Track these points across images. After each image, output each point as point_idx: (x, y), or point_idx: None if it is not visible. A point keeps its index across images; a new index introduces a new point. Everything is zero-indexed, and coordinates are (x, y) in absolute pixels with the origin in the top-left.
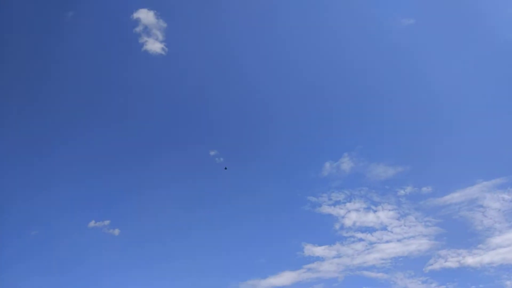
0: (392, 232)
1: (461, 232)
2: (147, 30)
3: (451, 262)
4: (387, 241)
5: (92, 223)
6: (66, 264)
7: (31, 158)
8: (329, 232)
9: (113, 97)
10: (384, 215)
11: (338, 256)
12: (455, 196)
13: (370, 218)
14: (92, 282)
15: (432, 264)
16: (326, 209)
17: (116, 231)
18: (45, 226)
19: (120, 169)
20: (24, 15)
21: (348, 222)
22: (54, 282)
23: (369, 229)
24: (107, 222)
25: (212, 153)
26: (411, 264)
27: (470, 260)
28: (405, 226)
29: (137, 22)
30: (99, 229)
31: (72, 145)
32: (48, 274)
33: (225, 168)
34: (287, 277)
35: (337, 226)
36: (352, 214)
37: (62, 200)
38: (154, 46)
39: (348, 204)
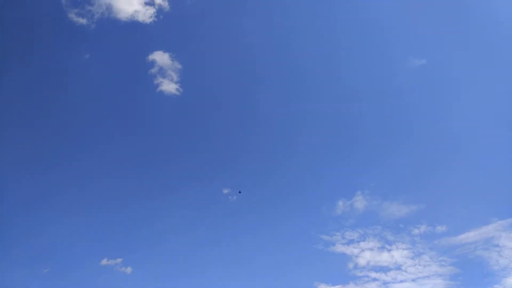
0: (406, 271)
1: (476, 272)
2: (162, 71)
3: None
4: (401, 281)
5: (104, 261)
6: None
7: (45, 196)
8: (342, 271)
9: (129, 135)
10: (398, 254)
11: None
12: (470, 236)
13: (384, 258)
14: None
15: None
16: (340, 248)
17: (129, 269)
18: (57, 264)
19: (133, 207)
20: (42, 54)
21: (362, 261)
22: None
23: (383, 269)
24: (119, 260)
25: (225, 191)
26: None
27: None
28: (419, 265)
29: (153, 63)
30: (112, 267)
31: (87, 184)
32: None
33: (239, 192)
34: None
35: (350, 266)
36: (366, 253)
37: (74, 238)
38: (169, 86)
39: (362, 243)
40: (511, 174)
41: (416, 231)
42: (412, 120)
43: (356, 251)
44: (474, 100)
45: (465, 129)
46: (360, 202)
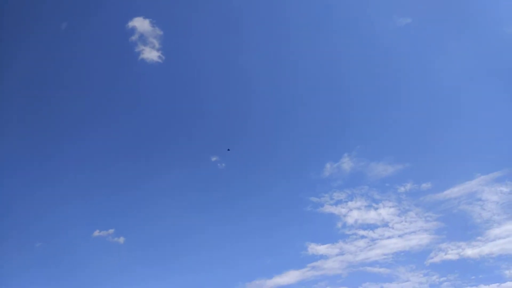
0: (393, 228)
1: (460, 226)
2: (143, 39)
3: (451, 255)
4: (388, 237)
5: (96, 233)
6: (71, 274)
7: (36, 170)
8: (331, 231)
9: (114, 107)
10: (385, 212)
11: (341, 253)
12: (454, 191)
13: (371, 216)
14: None
15: (432, 258)
16: (328, 209)
17: (121, 239)
18: (50, 237)
19: (122, 178)
20: (21, 23)
21: (350, 220)
22: None
23: (371, 226)
24: (111, 231)
25: (213, 159)
26: (412, 258)
27: (470, 252)
28: (406, 222)
29: (133, 30)
30: (104, 238)
31: (75, 156)
32: (54, 284)
33: (228, 150)
34: (292, 276)
35: (339, 225)
36: (354, 213)
37: (65, 211)
38: (151, 54)
39: (349, 203)
40: (494, 130)
41: (402, 189)
42: (397, 81)
43: (344, 211)
44: (458, 59)
45: (448, 87)
46: (347, 164)
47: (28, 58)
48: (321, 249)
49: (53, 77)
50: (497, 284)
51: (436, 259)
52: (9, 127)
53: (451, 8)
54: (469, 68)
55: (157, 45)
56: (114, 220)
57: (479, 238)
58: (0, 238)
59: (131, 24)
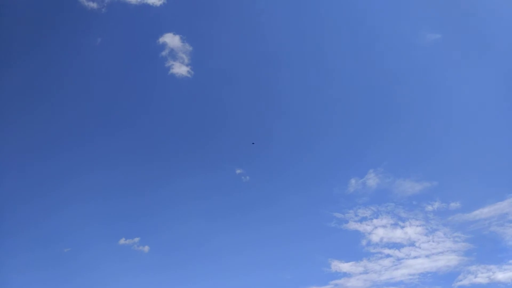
0: (420, 248)
1: (491, 248)
2: (173, 54)
3: (481, 278)
4: (415, 257)
5: (122, 241)
6: (98, 281)
7: (63, 179)
8: (356, 248)
9: (145, 120)
10: (411, 231)
11: (365, 272)
12: (485, 212)
13: (397, 234)
14: None
15: (461, 280)
16: (353, 225)
17: (146, 248)
18: (77, 244)
19: (149, 188)
20: (54, 40)
21: (375, 238)
22: None
23: (397, 245)
24: (136, 239)
25: (238, 171)
26: (439, 280)
27: (501, 276)
28: (433, 242)
29: (163, 46)
30: (129, 247)
31: (102, 166)
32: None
33: (253, 143)
34: None
35: (364, 242)
36: (379, 230)
37: (93, 219)
38: (181, 69)
39: (375, 220)
40: None
41: (429, 207)
42: (426, 97)
43: (369, 228)
44: (487, 75)
45: (478, 104)
46: (372, 180)
47: (64, 72)
48: (345, 266)
49: (87, 91)
50: None
51: (465, 282)
52: (43, 141)
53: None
54: (500, 86)
55: (186, 60)
56: (140, 228)
57: (511, 261)
58: (30, 246)
59: (161, 39)
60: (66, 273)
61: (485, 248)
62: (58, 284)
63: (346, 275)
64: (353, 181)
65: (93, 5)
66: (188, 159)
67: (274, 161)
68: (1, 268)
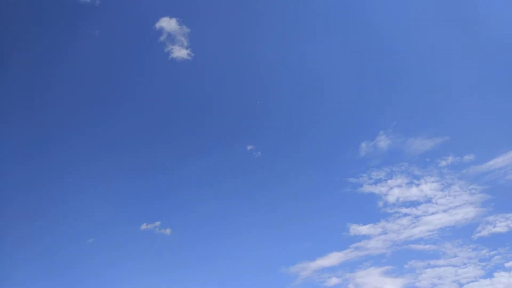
0: (437, 203)
1: (508, 196)
2: (171, 38)
3: (500, 227)
4: (432, 213)
5: (144, 226)
6: (124, 267)
7: (85, 171)
8: (372, 210)
9: (150, 106)
10: (427, 187)
11: (384, 232)
12: (499, 161)
13: (413, 192)
14: (149, 282)
15: (480, 231)
16: (368, 189)
17: (168, 231)
18: (100, 234)
19: (162, 171)
20: (51, 32)
21: (391, 198)
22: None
23: (414, 203)
24: (158, 223)
25: (249, 147)
26: (459, 233)
27: None
28: (449, 196)
29: (161, 31)
30: (151, 231)
31: (120, 153)
32: (108, 279)
33: (258, 102)
34: (335, 257)
35: (380, 204)
36: (395, 191)
37: (113, 208)
38: (181, 53)
39: (389, 181)
40: None
41: (443, 163)
42: (426, 52)
43: (384, 189)
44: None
45: (483, 56)
46: (383, 142)
47: (62, 60)
48: (363, 229)
49: (90, 79)
50: None
51: (484, 233)
52: (51, 131)
53: None
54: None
55: (185, 42)
56: (159, 212)
57: None
58: (54, 237)
59: (158, 25)
60: (92, 264)
61: (502, 197)
62: (87, 276)
63: (365, 237)
64: (363, 145)
65: None
66: (198, 140)
67: (283, 134)
68: (26, 262)
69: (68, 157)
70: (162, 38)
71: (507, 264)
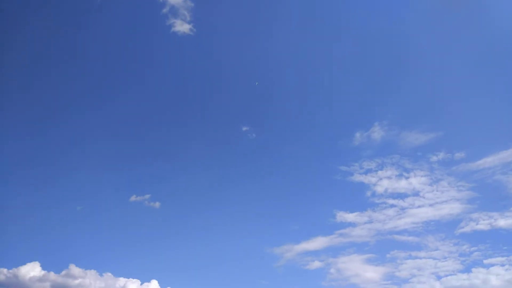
0: (424, 197)
1: (494, 196)
2: (174, 11)
3: (483, 225)
4: (419, 206)
5: (133, 197)
6: (110, 236)
7: (76, 138)
8: (360, 199)
9: (147, 78)
10: (416, 181)
11: (370, 221)
12: (489, 161)
13: (402, 185)
14: (136, 252)
15: (463, 227)
16: (358, 178)
17: (157, 204)
18: (90, 202)
19: (157, 147)
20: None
21: (379, 189)
22: (101, 253)
23: (401, 195)
24: (147, 196)
25: (244, 129)
26: (442, 227)
27: (503, 222)
28: (437, 191)
29: (164, 3)
30: (140, 203)
31: (113, 126)
32: (94, 245)
33: (256, 83)
34: (320, 242)
35: (368, 193)
36: (384, 182)
37: (103, 177)
38: (183, 27)
39: (379, 172)
40: None
41: (434, 158)
42: (429, 48)
43: (374, 179)
44: (492, 27)
45: (483, 56)
46: (377, 133)
47: (61, 31)
48: (350, 217)
49: (88, 50)
50: None
51: (467, 229)
52: (49, 102)
53: None
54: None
55: (188, 17)
56: (150, 186)
57: None
58: (45, 204)
59: None
60: (80, 230)
61: (488, 196)
62: (72, 241)
63: (351, 224)
64: (358, 134)
65: None
66: (193, 118)
67: (280, 117)
68: (16, 225)
69: (63, 130)
70: (165, 10)
71: (485, 261)
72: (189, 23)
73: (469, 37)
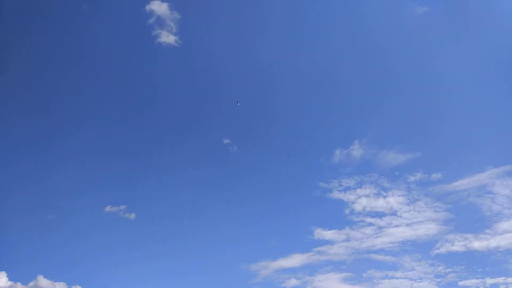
0: (401, 217)
1: (469, 218)
2: (160, 22)
3: (458, 246)
4: (396, 226)
5: (108, 208)
6: (82, 247)
7: (49, 145)
8: (339, 216)
9: (130, 88)
10: (394, 200)
11: (347, 239)
12: (464, 183)
13: (380, 204)
14: (109, 264)
15: (439, 248)
16: (337, 195)
17: (132, 215)
18: (62, 210)
19: (136, 156)
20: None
21: (358, 207)
22: (71, 264)
23: (379, 214)
24: (123, 207)
25: (225, 141)
26: (418, 248)
27: (477, 244)
28: (414, 211)
29: (151, 14)
30: (115, 214)
31: (89, 133)
32: (65, 256)
33: (238, 102)
34: (297, 259)
35: (347, 211)
36: (362, 200)
37: (78, 186)
38: (168, 38)
39: (358, 190)
40: (506, 122)
41: (411, 178)
42: (408, 69)
43: (352, 197)
44: (473, 50)
45: (461, 78)
46: (357, 151)
47: (47, 38)
48: (328, 234)
49: (73, 57)
50: (504, 277)
51: (442, 250)
52: (28, 107)
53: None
54: (484, 61)
55: (174, 29)
56: (126, 196)
57: (487, 231)
58: (14, 211)
59: (148, 7)
60: (50, 240)
61: (463, 217)
62: (41, 251)
63: (328, 242)
64: (338, 151)
65: None
66: (175, 129)
67: (262, 131)
68: None
69: (36, 130)
70: (151, 21)
71: (460, 283)
72: (175, 34)
73: (449, 58)
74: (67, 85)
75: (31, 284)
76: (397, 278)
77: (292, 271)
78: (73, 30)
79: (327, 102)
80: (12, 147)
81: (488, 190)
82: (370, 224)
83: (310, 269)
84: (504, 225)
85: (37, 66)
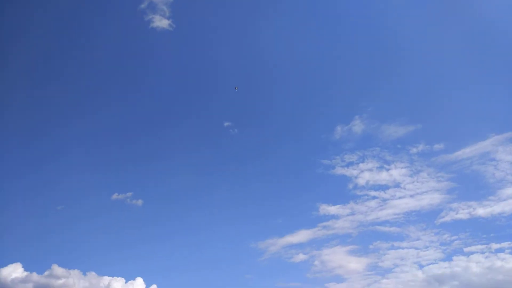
0: (405, 188)
1: (472, 185)
2: (153, 6)
3: (462, 214)
4: (400, 197)
5: (115, 196)
6: (92, 234)
7: (56, 138)
8: (343, 192)
9: (127, 75)
10: (397, 173)
11: (352, 213)
12: (467, 151)
13: (383, 177)
14: (119, 250)
15: (443, 217)
16: (339, 171)
17: (140, 202)
18: (70, 201)
19: (138, 142)
20: None
21: (361, 181)
22: (83, 252)
23: (382, 187)
24: (129, 194)
25: (226, 124)
26: (423, 217)
27: (481, 211)
28: (417, 182)
29: None
30: (122, 201)
31: (93, 122)
32: (77, 245)
33: (236, 88)
34: (303, 235)
35: (350, 186)
36: (365, 174)
37: (84, 175)
38: (161, 22)
39: (361, 165)
40: (507, 89)
41: (414, 150)
42: (408, 42)
43: (355, 172)
44: (469, 22)
45: (459, 48)
46: (358, 126)
47: (40, 25)
48: (332, 209)
49: (70, 44)
50: (509, 242)
51: (447, 218)
52: (32, 99)
53: None
54: (482, 32)
55: (167, 13)
56: (132, 184)
57: (491, 197)
58: (25, 202)
59: None
60: (61, 230)
61: (466, 186)
62: (54, 241)
63: (333, 217)
64: (339, 128)
65: None
66: (176, 114)
67: (261, 113)
68: None
69: (43, 123)
70: (143, 6)
71: (466, 249)
72: (168, 18)
73: (450, 33)
74: (66, 74)
75: (46, 273)
76: (403, 248)
77: (299, 246)
78: (67, 19)
79: (325, 80)
80: (18, 144)
81: (491, 157)
82: (374, 197)
83: (317, 244)
84: (508, 190)
85: (35, 54)
